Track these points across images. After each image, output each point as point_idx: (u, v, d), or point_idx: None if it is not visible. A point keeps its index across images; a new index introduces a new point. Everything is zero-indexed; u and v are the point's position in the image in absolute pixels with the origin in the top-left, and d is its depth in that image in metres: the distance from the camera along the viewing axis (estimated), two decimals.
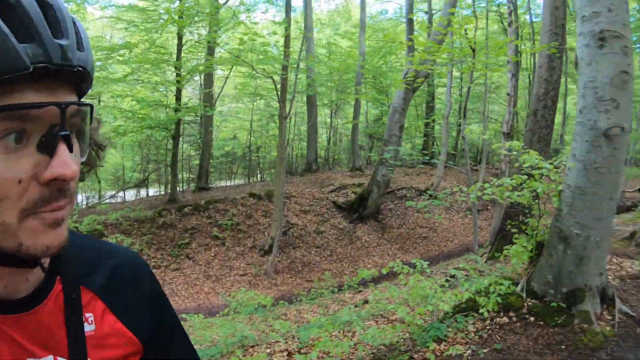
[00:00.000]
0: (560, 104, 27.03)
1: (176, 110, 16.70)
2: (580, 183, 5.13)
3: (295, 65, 15.96)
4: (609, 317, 5.41)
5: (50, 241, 0.72)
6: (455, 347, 4.61)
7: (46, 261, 0.85)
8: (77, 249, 0.92)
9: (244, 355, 5.12)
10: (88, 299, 0.90)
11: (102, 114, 16.48)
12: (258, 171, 29.71)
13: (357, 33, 25.52)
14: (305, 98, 23.33)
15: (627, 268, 7.18)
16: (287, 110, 14.87)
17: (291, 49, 15.37)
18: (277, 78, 14.88)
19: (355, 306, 8.41)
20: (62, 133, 0.70)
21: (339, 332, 5.87)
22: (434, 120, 24.50)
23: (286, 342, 5.78)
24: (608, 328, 5.18)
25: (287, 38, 14.87)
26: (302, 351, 5.31)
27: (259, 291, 11.98)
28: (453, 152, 26.44)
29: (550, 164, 5.57)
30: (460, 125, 13.06)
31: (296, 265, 14.87)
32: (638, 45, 21.49)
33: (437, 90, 27.94)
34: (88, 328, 0.88)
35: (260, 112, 27.38)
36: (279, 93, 14.64)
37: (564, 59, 16.06)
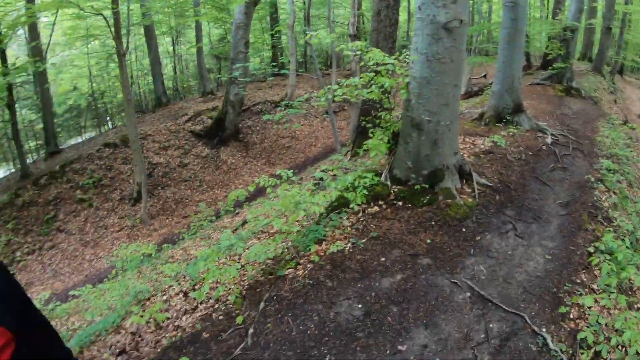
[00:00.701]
0: (404, 3, 27.91)
1: (4, 74, 14.76)
2: (424, 74, 5.48)
3: None
4: (469, 190, 6.02)
5: None
6: (336, 244, 4.90)
7: None
8: None
9: (143, 310, 5.07)
10: None
11: None
12: (108, 118, 27.83)
13: None
14: (142, 30, 21.83)
15: (480, 145, 7.95)
16: (125, 46, 13.82)
17: None
18: (108, 14, 13.56)
19: (236, 229, 8.54)
20: None
21: (226, 258, 5.97)
22: (279, 32, 24.23)
23: (179, 284, 5.79)
24: (470, 200, 5.78)
25: None
26: (196, 287, 5.37)
27: (141, 241, 11.72)
28: (302, 59, 26.57)
29: (395, 59, 5.83)
30: (306, 32, 13.13)
31: (169, 205, 14.60)
32: None
33: (279, 1, 27.43)
34: None
35: (97, 55, 25.10)
36: (112, 30, 13.42)
37: None
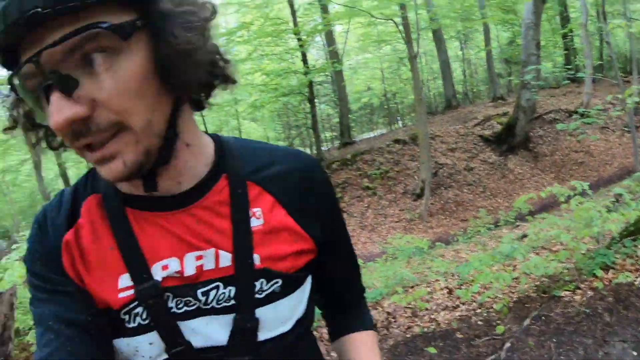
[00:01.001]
0: None
1: (305, 73, 17.26)
2: None
3: (412, 3, 15.42)
4: None
5: (105, 173, 0.71)
6: (625, 274, 4.39)
7: (209, 160, 0.87)
8: (250, 150, 0.93)
9: (405, 295, 5.34)
10: (256, 193, 0.88)
11: (237, 93, 17.77)
12: (398, 117, 29.64)
13: None
14: (431, 34, 22.59)
15: None
16: (415, 49, 14.50)
17: None
18: (397, 20, 14.50)
19: (515, 240, 8.27)
20: (45, 84, 0.64)
21: (500, 265, 5.88)
22: (571, 31, 22.32)
23: (446, 280, 5.90)
24: None
25: None
26: (462, 287, 5.42)
27: (415, 235, 12.18)
28: (599, 62, 24.05)
29: None
30: (602, 31, 11.72)
31: (450, 206, 14.80)
32: None
33: None
34: (256, 223, 0.86)
35: (388, 58, 26.98)
36: (403, 34, 14.28)
37: None
